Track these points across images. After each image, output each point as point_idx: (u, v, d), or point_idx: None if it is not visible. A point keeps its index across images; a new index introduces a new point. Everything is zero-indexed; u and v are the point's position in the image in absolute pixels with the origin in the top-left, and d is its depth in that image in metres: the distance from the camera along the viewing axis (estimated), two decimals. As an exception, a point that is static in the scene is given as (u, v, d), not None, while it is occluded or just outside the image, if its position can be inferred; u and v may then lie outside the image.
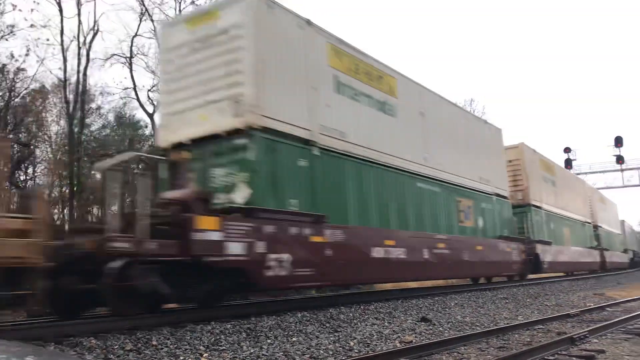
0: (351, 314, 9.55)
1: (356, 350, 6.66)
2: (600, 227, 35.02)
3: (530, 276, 23.01)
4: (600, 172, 54.39)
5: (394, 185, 13.01)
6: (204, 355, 6.08)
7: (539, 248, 21.68)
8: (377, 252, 11.75)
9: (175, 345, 6.41)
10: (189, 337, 6.82)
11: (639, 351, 6.96)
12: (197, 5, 22.33)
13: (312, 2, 50.21)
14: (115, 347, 6.07)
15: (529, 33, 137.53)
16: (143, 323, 7.22)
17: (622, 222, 46.83)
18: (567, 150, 52.61)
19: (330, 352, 6.48)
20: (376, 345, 7.08)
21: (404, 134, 13.83)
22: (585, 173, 54.84)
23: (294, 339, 7.27)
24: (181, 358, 5.95)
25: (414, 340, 7.43)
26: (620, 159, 52.39)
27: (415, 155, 14.12)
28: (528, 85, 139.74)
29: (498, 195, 18.80)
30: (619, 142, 51.69)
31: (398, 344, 7.11)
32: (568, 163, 51.42)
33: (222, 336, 7.03)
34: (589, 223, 32.19)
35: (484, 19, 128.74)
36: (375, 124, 12.67)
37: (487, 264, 17.10)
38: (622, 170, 53.38)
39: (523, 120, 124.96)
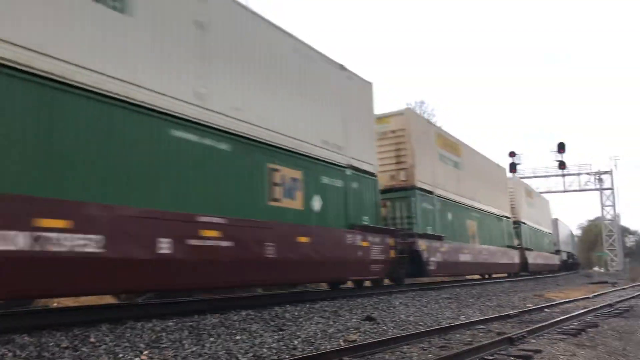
0: (297, 313, 9.52)
1: (300, 349, 6.63)
2: (523, 223, 31.39)
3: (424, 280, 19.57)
4: (543, 176, 56.28)
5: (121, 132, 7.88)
6: (144, 353, 5.92)
7: (422, 244, 16.88)
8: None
9: (115, 343, 6.23)
10: (129, 335, 6.64)
11: (572, 351, 7.19)
12: None
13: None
14: (50, 344, 5.85)
15: (477, 37, 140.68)
16: (80, 319, 6.99)
17: (555, 220, 45.06)
18: (512, 154, 54.13)
19: (274, 351, 6.43)
20: (320, 344, 7.06)
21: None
22: (529, 177, 56.72)
23: (237, 337, 7.18)
24: (120, 356, 5.77)
25: (357, 339, 7.45)
26: (562, 164, 54.32)
27: (175, 83, 8.87)
28: (480, 91, 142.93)
29: (356, 169, 13.89)
30: (561, 147, 53.59)
31: (342, 343, 7.12)
32: (513, 167, 52.92)
33: (164, 334, 6.88)
34: (508, 218, 28.23)
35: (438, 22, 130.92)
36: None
37: (319, 264, 11.78)
38: (563, 175, 55.38)
39: (472, 125, 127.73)
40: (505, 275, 28.85)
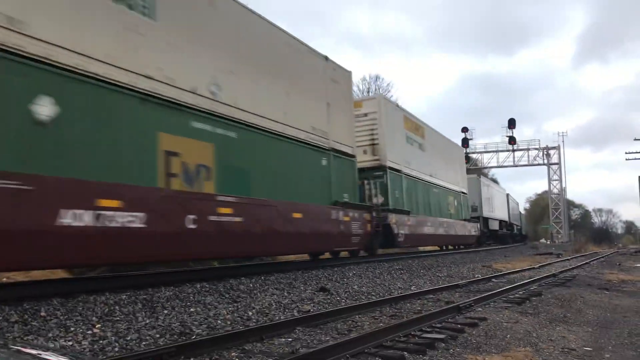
0: (251, 285, 9.60)
1: (254, 320, 6.73)
2: (394, 171, 24.46)
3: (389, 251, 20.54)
4: (493, 151, 57.61)
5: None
6: (96, 327, 5.90)
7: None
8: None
9: (66, 317, 6.17)
10: (80, 308, 6.58)
11: (516, 318, 7.53)
12: None
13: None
14: (-1, 318, 5.76)
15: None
16: (30, 293, 6.90)
17: (507, 195, 47.31)
18: (464, 130, 55.22)
19: (228, 322, 6.50)
20: (274, 314, 7.18)
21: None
22: (480, 152, 58.04)
23: (191, 309, 7.22)
24: (72, 329, 5.73)
25: (311, 310, 7.60)
26: (512, 140, 55.72)
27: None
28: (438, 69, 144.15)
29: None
30: (511, 124, 54.92)
31: (296, 314, 7.25)
32: (465, 142, 54.02)
33: (117, 307, 6.85)
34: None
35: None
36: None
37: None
38: (513, 150, 56.84)
39: (427, 100, 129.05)
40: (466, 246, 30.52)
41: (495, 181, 56.80)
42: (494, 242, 40.21)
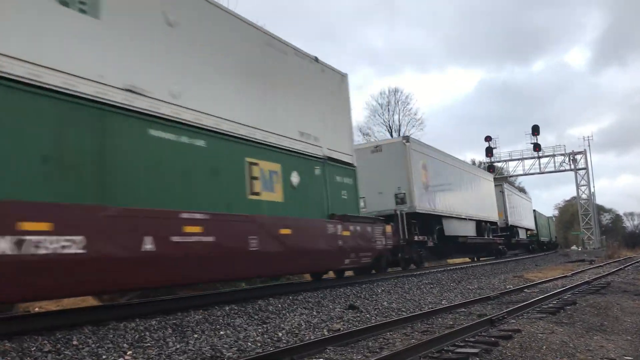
0: (280, 305, 9.57)
1: (284, 341, 6.68)
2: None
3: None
4: (518, 159, 56.98)
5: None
6: (127, 353, 5.92)
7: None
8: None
9: (98, 344, 6.21)
10: (111, 335, 6.62)
11: (551, 329, 7.35)
12: None
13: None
14: (33, 349, 5.81)
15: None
16: (62, 323, 6.95)
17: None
18: (487, 138, 54.74)
19: (259, 344, 6.47)
20: (304, 334, 7.12)
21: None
22: (505, 160, 57.44)
23: (221, 332, 7.21)
24: (104, 357, 5.77)
25: (341, 328, 7.53)
26: (536, 147, 55.04)
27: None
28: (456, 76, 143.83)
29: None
30: (535, 130, 54.31)
31: (326, 333, 7.19)
32: (489, 151, 53.55)
33: (147, 333, 6.88)
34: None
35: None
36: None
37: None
38: (538, 157, 56.12)
39: (448, 111, 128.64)
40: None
41: (522, 190, 56.18)
42: (523, 252, 39.61)
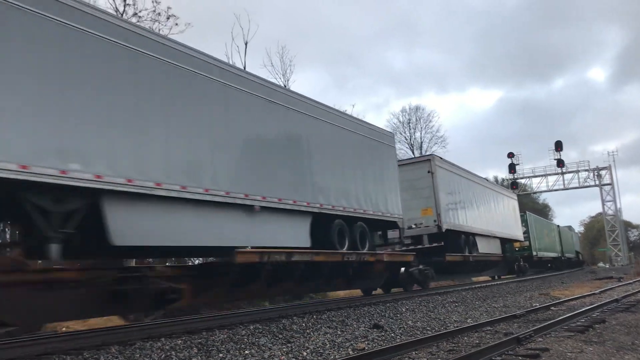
0: (304, 324, 9.55)
1: (309, 360, 6.67)
2: None
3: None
4: (542, 175, 56.35)
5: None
6: (154, 373, 5.96)
7: None
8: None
9: (124, 364, 6.26)
10: (138, 355, 6.67)
11: (580, 347, 7.22)
12: None
13: None
14: (61, 369, 5.89)
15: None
16: (89, 343, 7.03)
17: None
18: (510, 155, 54.28)
19: (283, 363, 6.47)
20: (329, 354, 7.10)
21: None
22: (528, 177, 56.82)
23: (246, 351, 7.22)
24: (130, 377, 5.82)
25: (366, 348, 7.49)
26: (560, 163, 54.40)
27: None
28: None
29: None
30: (558, 146, 53.71)
31: (351, 352, 7.15)
32: (512, 167, 53.08)
33: (173, 352, 6.91)
34: None
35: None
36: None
37: None
38: (562, 173, 55.44)
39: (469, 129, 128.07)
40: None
41: (547, 206, 55.45)
42: (543, 270, 38.63)
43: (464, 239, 22.17)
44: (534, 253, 34.71)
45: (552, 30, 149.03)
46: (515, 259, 31.04)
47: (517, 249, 32.17)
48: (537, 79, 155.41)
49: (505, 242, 28.41)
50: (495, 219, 26.69)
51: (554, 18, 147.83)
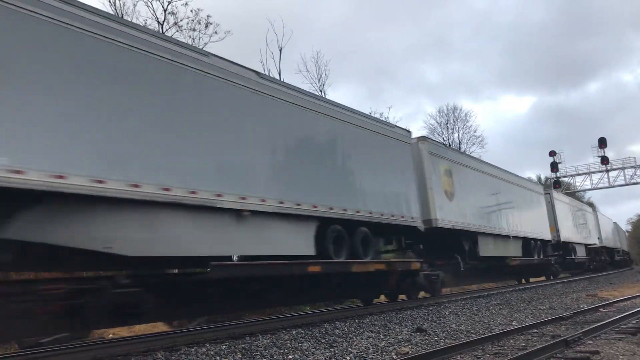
0: (346, 329, 9.53)
1: (353, 365, 6.65)
2: None
3: None
4: (585, 173, 54.94)
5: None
6: (199, 378, 6.04)
7: None
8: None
9: (171, 370, 6.36)
10: (184, 361, 6.76)
11: (633, 350, 7.01)
12: None
13: None
14: (110, 374, 6.01)
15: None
16: (135, 349, 7.17)
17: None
18: (552, 153, 53.12)
19: (327, 368, 6.46)
20: (372, 358, 7.06)
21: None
22: (572, 175, 55.48)
23: (289, 356, 7.24)
24: (177, 382, 5.90)
25: (410, 352, 7.42)
26: (604, 160, 52.94)
27: None
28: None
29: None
30: (602, 142, 52.31)
31: (394, 356, 7.10)
32: (554, 166, 51.94)
33: (218, 357, 6.99)
34: None
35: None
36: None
37: None
38: (607, 170, 53.94)
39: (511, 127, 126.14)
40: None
41: (591, 205, 53.87)
42: (580, 272, 35.27)
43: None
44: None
45: (579, 40, 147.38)
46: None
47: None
48: (570, 85, 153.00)
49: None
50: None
51: (581, 29, 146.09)
